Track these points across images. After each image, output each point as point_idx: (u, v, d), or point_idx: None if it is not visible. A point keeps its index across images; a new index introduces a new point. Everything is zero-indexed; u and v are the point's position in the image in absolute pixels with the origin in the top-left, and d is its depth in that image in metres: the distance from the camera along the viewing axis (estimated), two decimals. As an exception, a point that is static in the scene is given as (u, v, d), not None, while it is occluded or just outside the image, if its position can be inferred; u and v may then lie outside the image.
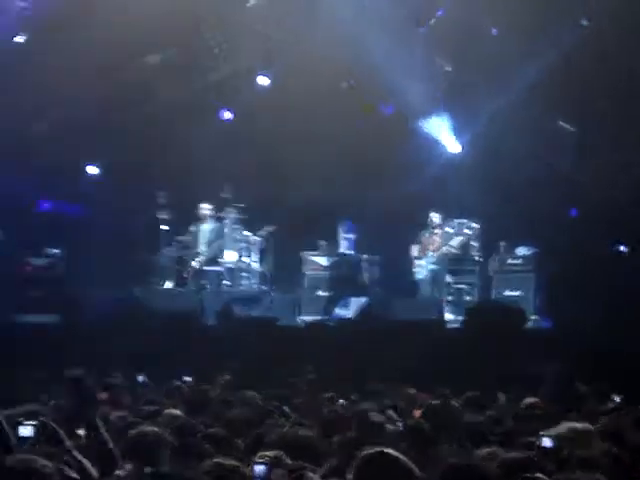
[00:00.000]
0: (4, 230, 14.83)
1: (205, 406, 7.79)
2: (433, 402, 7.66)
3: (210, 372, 10.48)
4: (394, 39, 15.78)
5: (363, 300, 14.18)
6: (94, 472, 4.90)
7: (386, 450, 4.05)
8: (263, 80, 16.50)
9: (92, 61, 15.25)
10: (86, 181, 16.51)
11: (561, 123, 16.12)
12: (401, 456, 4.00)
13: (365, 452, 4.05)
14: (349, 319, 13.71)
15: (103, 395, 8.11)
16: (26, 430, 4.92)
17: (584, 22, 15.80)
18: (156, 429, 5.57)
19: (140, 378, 9.87)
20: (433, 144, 16.37)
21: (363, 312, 13.60)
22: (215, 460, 4.85)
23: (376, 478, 3.95)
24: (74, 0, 15.34)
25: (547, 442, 5.19)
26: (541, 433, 5.45)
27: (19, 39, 15.62)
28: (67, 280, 14.71)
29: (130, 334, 12.37)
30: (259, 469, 4.74)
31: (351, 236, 15.55)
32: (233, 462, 4.85)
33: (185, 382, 9.69)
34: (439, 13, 16.30)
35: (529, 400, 7.78)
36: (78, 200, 16.19)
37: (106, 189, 16.18)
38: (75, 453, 4.94)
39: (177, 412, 6.95)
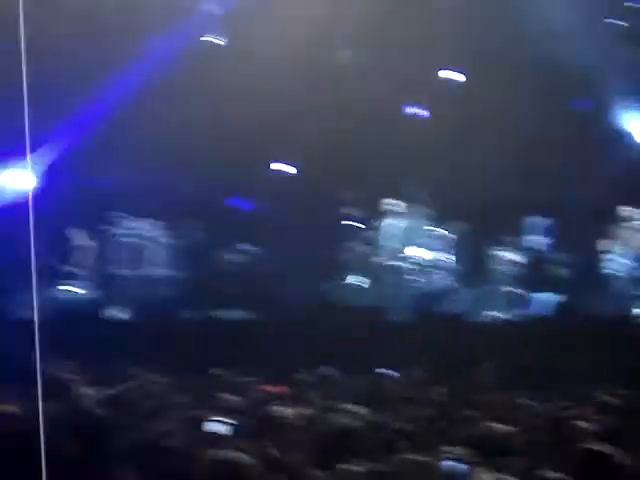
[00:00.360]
0: (198, 227, 15.29)
1: (389, 402, 7.78)
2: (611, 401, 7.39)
3: (396, 368, 10.46)
4: (590, 32, 15.45)
5: (551, 296, 13.89)
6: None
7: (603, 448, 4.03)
8: (457, 76, 16.44)
9: (285, 57, 15.51)
10: (277, 178, 16.80)
11: None
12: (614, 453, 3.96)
13: (584, 447, 4.02)
14: (539, 316, 13.46)
15: (283, 390, 8.17)
16: (219, 426, 5.02)
17: None
18: (354, 424, 5.56)
19: (326, 371, 9.86)
20: (631, 138, 15.91)
21: (551, 309, 13.34)
22: (407, 456, 4.83)
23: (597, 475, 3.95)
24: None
25: None
26: None
27: (214, 39, 16.12)
28: (259, 276, 15.03)
29: (319, 330, 12.52)
30: (451, 465, 4.72)
31: (543, 232, 15.25)
32: (425, 458, 4.82)
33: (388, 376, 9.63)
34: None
35: None
36: (269, 198, 16.49)
37: (296, 186, 16.43)
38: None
39: (359, 408, 6.95)
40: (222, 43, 16.26)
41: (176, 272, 14.95)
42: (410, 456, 4.85)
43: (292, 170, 16.87)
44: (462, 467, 4.80)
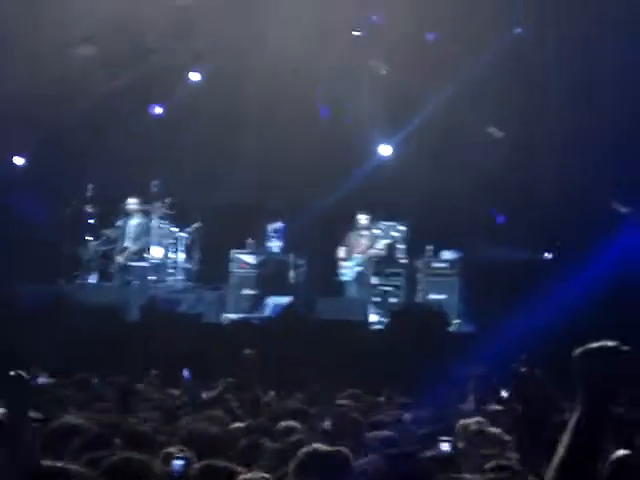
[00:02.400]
0: None
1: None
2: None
3: (135, 368, 10.37)
4: (331, 41, 15.89)
5: (286, 299, 14.18)
6: None
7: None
8: (195, 76, 16.53)
9: (23, 51, 15.13)
10: (12, 172, 16.32)
11: (490, 129, 16.29)
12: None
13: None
14: (272, 318, 13.70)
15: None
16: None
17: (518, 30, 16.08)
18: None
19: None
20: (363, 146, 16.43)
21: (286, 311, 13.60)
22: (124, 455, 4.78)
23: None
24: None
25: (446, 447, 5.29)
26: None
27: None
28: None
29: (54, 329, 12.24)
30: (178, 464, 4.74)
31: (279, 235, 15.53)
32: (142, 456, 4.79)
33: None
34: (374, 18, 16.47)
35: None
36: (3, 191, 15.97)
37: (32, 180, 16.01)
38: None
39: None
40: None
41: None
42: (128, 455, 4.82)
43: (32, 164, 16.43)
44: (181, 464, 4.86)
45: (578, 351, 2.68)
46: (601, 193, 14.92)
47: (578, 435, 2.55)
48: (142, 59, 15.90)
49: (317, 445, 4.47)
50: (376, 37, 16.41)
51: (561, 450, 2.58)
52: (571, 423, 2.60)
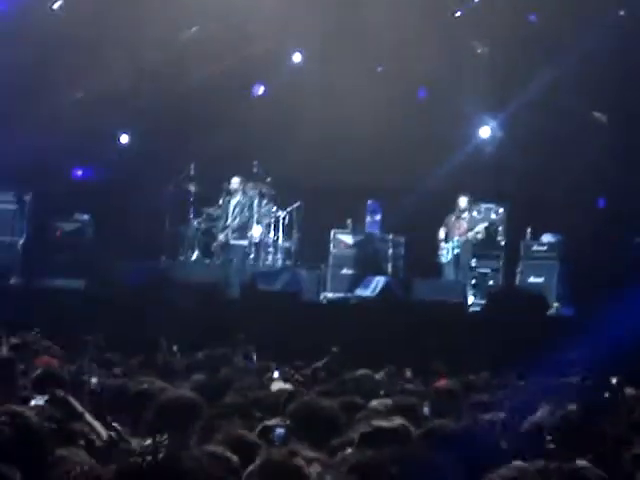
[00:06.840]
0: (36, 195, 15.02)
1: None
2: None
3: (231, 345, 10.54)
4: (428, 21, 15.84)
5: (385, 279, 14.24)
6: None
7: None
8: (297, 57, 16.63)
9: (129, 32, 15.42)
10: (117, 149, 16.66)
11: (595, 113, 16.06)
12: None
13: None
14: (370, 298, 13.79)
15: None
16: None
17: (621, 12, 15.83)
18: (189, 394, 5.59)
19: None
20: (463, 127, 16.36)
21: (383, 291, 13.66)
22: (234, 432, 4.88)
23: None
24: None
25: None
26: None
27: (56, 5, 15.86)
28: (94, 247, 14.90)
29: (154, 304, 12.50)
30: (279, 432, 4.83)
31: (378, 216, 15.60)
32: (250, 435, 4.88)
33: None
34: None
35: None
36: (109, 168, 16.33)
37: (137, 158, 16.33)
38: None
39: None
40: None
41: (8, 238, 14.69)
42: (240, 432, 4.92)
43: (137, 142, 16.76)
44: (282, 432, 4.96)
45: None
46: None
47: None
48: (244, 42, 16.02)
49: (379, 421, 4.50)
50: (478, 17, 16.30)
51: None
52: None
